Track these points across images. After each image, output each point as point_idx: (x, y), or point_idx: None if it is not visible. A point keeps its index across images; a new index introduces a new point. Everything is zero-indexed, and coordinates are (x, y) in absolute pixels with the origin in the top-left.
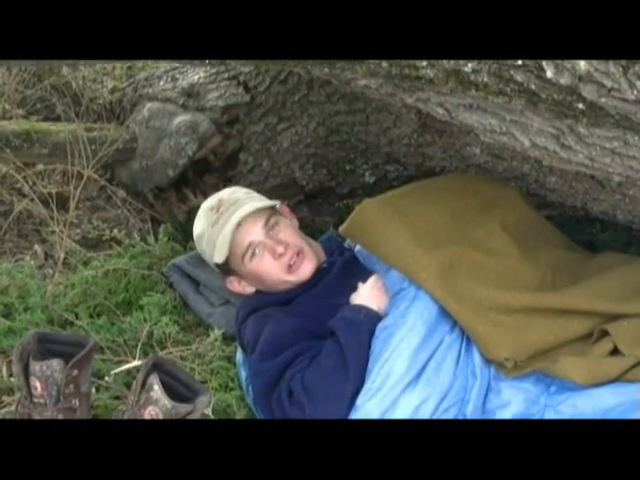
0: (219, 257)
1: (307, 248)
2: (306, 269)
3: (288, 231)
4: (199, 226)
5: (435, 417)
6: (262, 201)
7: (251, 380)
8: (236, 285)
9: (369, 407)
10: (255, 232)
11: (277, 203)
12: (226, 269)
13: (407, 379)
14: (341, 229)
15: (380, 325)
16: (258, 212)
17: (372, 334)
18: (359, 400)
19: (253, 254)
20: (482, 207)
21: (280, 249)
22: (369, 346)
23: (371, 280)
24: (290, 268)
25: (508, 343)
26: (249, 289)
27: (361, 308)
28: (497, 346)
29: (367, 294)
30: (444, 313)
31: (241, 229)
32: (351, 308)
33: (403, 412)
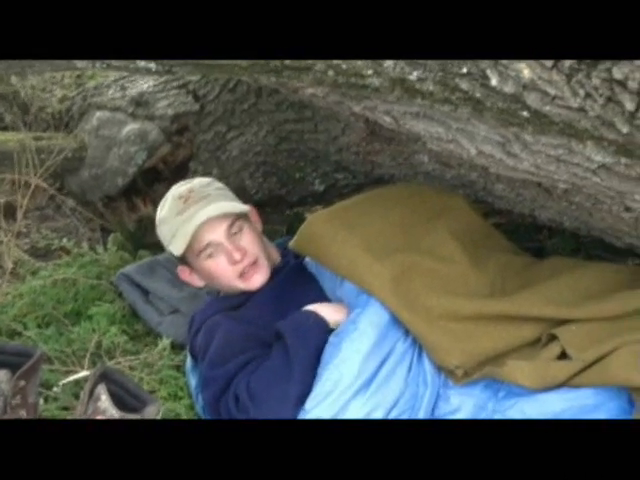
0: (176, 249)
1: (263, 260)
2: (257, 280)
3: (250, 238)
4: (164, 210)
5: None
6: (232, 201)
7: (201, 389)
8: (186, 275)
9: (318, 412)
10: (217, 233)
11: (246, 208)
12: (180, 259)
13: (357, 385)
14: (291, 244)
15: (333, 332)
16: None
17: (322, 341)
18: (308, 404)
19: (210, 254)
20: (430, 215)
21: (237, 256)
22: (318, 352)
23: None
24: (242, 276)
25: (458, 351)
26: (198, 282)
27: (310, 314)
28: (447, 354)
29: (323, 305)
30: (396, 320)
31: (204, 226)
32: (301, 313)
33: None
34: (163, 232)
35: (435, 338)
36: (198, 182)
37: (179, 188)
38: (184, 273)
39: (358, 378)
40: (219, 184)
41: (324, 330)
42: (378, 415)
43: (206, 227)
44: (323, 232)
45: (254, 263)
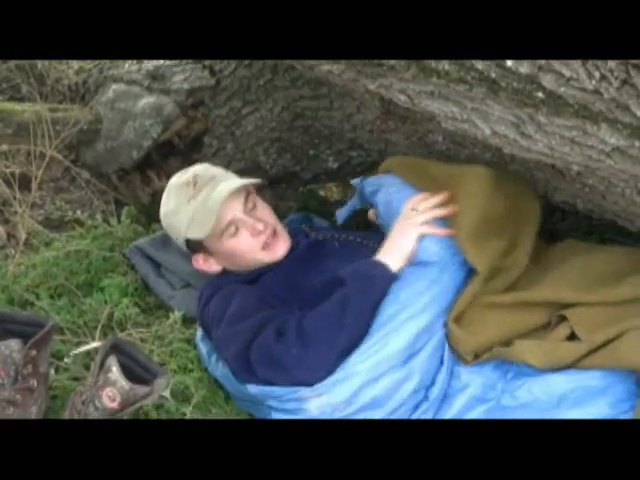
0: (200, 232)
1: (281, 229)
2: (280, 249)
3: (266, 211)
4: (172, 201)
5: (407, 397)
6: (240, 179)
7: (223, 349)
8: (202, 263)
9: (359, 368)
10: (236, 210)
11: (259, 181)
12: (195, 246)
13: (404, 355)
14: (381, 167)
15: (395, 293)
16: (238, 190)
17: (383, 294)
18: (353, 358)
19: (233, 233)
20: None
21: (260, 226)
22: (376, 305)
23: (397, 228)
24: (266, 248)
25: (472, 342)
26: (215, 267)
27: (377, 264)
28: (460, 343)
29: (392, 249)
30: (454, 302)
31: (223, 206)
32: (368, 262)
33: (386, 385)
34: (174, 222)
35: (449, 325)
36: (198, 168)
37: (180, 177)
38: (198, 262)
39: (406, 350)
40: (218, 168)
41: (388, 281)
42: (409, 387)
43: (226, 205)
44: (413, 160)
45: (275, 234)
